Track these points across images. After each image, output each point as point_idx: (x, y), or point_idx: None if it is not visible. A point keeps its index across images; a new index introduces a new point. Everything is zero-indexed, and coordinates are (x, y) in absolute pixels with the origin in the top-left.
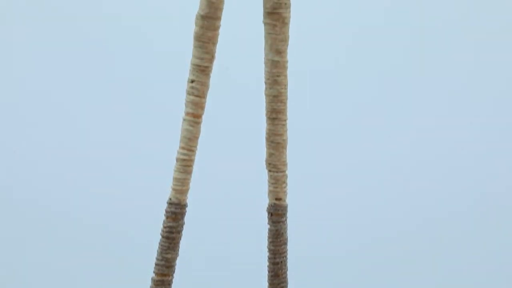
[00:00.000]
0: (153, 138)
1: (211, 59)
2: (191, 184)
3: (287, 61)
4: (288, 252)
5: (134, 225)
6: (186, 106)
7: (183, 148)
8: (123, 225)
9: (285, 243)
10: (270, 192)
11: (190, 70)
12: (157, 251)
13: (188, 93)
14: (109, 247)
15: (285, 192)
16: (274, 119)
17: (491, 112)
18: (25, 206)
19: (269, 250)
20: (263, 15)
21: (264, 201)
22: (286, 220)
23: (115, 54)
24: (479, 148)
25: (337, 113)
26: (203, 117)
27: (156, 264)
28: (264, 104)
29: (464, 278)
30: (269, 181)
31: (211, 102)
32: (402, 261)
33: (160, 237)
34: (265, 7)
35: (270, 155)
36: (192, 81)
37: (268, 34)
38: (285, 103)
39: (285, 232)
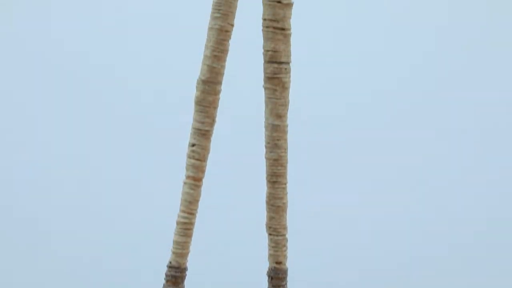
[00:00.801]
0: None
1: (212, 123)
2: (191, 247)
3: (287, 125)
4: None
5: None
6: (187, 169)
7: (183, 211)
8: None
9: None
10: (270, 255)
11: (190, 133)
12: None
13: (189, 157)
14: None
15: (285, 255)
16: (274, 182)
17: None
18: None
19: None
20: (264, 80)
21: (263, 264)
22: (286, 284)
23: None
24: None
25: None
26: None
27: None
28: (265, 168)
29: None
30: (269, 245)
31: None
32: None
33: None
34: (265, 72)
35: (270, 218)
36: (193, 145)
37: (268, 98)
38: (285, 167)
39: None
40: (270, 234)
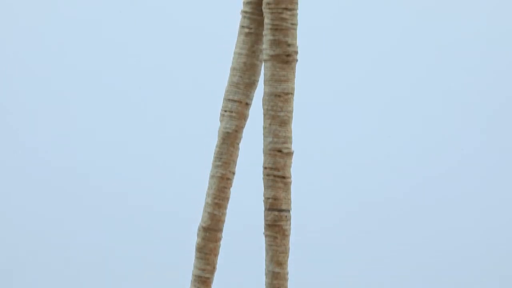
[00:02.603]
0: None
1: (213, 270)
2: None
3: (287, 272)
4: None
5: None
6: None
7: None
8: None
9: None
10: None
11: (191, 280)
12: None
13: None
14: None
15: None
16: None
17: None
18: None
19: None
20: (264, 227)
21: None
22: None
23: None
24: None
25: None
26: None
27: None
28: None
29: None
30: None
31: None
32: None
33: None
34: (265, 220)
35: None
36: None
37: (269, 246)
38: None
39: None
40: None
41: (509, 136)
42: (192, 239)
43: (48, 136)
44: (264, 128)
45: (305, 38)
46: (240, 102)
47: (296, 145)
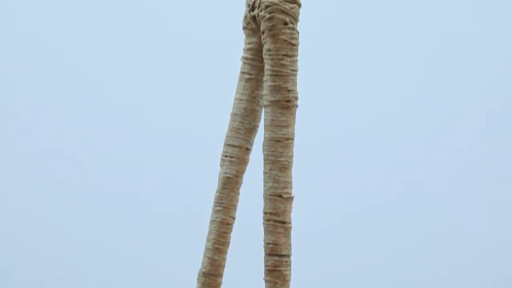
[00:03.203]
0: None
1: None
2: None
3: None
4: None
5: None
6: None
7: None
8: None
9: None
10: None
11: None
12: None
13: None
14: None
15: None
16: None
17: None
18: None
19: None
20: (264, 273)
21: None
22: None
23: None
24: None
25: None
26: None
27: None
28: None
29: None
30: None
31: None
32: None
33: None
34: (266, 265)
35: None
36: None
37: None
38: None
39: None
40: None
41: (509, 136)
42: (192, 239)
43: (49, 136)
44: (264, 173)
45: (305, 38)
46: (240, 147)
47: (296, 145)
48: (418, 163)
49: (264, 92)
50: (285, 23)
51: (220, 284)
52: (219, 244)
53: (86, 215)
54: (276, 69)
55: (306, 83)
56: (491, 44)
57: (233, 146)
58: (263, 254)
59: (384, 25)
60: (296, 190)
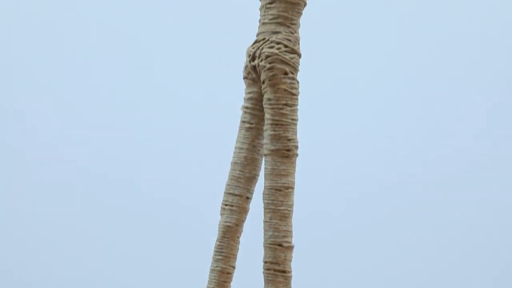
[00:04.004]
0: None
1: None
2: None
3: None
4: None
5: None
6: None
7: None
8: None
9: None
10: None
11: None
12: None
13: None
14: None
15: None
16: None
17: None
18: None
19: None
20: None
21: None
22: None
23: None
24: None
25: None
26: None
27: None
28: None
29: None
30: None
31: None
32: None
33: None
34: None
35: None
36: None
37: None
38: None
39: None
40: None
41: (509, 136)
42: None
43: (49, 136)
44: (265, 222)
45: (306, 37)
46: (240, 196)
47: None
48: (417, 163)
49: (265, 141)
50: (285, 73)
51: None
52: None
53: (86, 215)
54: (277, 118)
55: (306, 82)
56: (490, 44)
57: (233, 194)
58: None
59: (384, 25)
60: (297, 189)
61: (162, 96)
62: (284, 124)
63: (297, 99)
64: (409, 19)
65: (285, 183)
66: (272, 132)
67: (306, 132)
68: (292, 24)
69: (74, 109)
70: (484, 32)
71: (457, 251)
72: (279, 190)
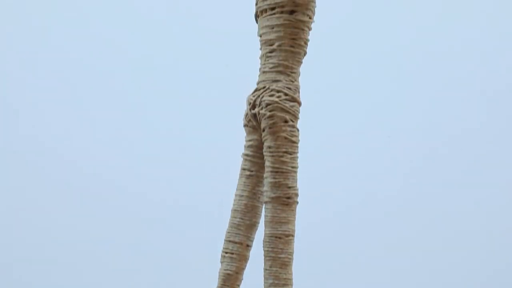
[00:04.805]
0: None
1: None
2: None
3: None
4: None
5: None
6: None
7: None
8: None
9: None
10: None
11: None
12: None
13: None
14: None
15: None
16: None
17: None
18: None
19: None
20: None
21: None
22: None
23: None
24: None
25: None
26: None
27: None
28: None
29: None
30: None
31: None
32: None
33: None
34: None
35: None
36: None
37: None
38: None
39: None
40: None
41: (509, 136)
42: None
43: (51, 136)
44: (265, 269)
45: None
46: (241, 243)
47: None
48: (417, 163)
49: (265, 188)
50: (286, 121)
51: None
52: None
53: (86, 215)
54: (277, 166)
55: (306, 83)
56: (490, 44)
57: (233, 242)
58: None
59: (384, 25)
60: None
61: (165, 99)
62: (284, 172)
63: (297, 146)
64: (409, 19)
65: (285, 230)
66: (272, 180)
67: (306, 132)
68: (292, 72)
69: (75, 110)
70: (484, 32)
71: (457, 251)
72: (280, 238)
